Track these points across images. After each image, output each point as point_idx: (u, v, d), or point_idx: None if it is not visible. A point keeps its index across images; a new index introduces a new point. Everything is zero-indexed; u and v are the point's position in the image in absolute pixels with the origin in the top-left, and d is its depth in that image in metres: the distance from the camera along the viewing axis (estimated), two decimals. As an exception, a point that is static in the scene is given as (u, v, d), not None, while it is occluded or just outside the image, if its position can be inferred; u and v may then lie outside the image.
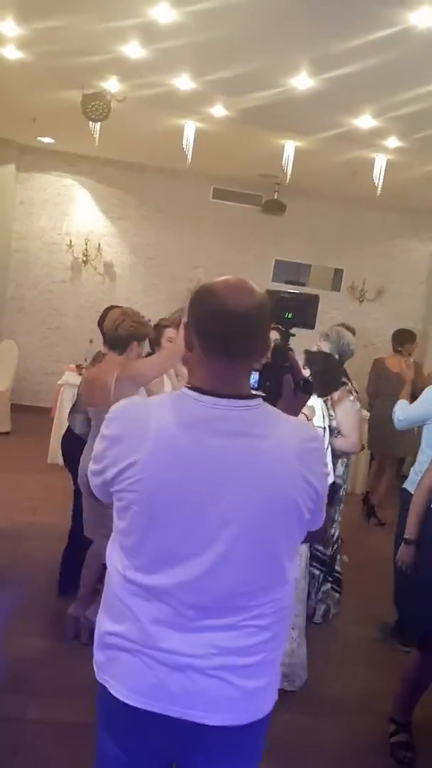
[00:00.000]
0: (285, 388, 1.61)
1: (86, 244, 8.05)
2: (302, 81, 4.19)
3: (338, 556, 4.15)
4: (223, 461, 1.35)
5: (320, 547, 3.96)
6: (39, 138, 7.25)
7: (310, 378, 3.33)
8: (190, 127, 5.59)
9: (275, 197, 7.97)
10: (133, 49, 4.07)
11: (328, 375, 3.40)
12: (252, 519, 1.35)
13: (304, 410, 3.24)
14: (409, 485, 3.77)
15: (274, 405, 1.51)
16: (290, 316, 1.70)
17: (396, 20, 3.19)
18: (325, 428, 3.34)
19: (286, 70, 4.10)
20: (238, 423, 1.37)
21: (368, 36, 3.35)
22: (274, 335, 4.05)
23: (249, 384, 1.44)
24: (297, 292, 1.79)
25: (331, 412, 3.76)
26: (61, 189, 8.06)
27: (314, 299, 1.77)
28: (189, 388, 1.40)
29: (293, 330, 1.80)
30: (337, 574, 4.13)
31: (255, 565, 1.37)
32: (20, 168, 7.87)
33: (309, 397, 1.69)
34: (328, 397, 3.78)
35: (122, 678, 1.40)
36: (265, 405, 1.43)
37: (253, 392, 1.51)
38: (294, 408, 1.63)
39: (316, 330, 3.93)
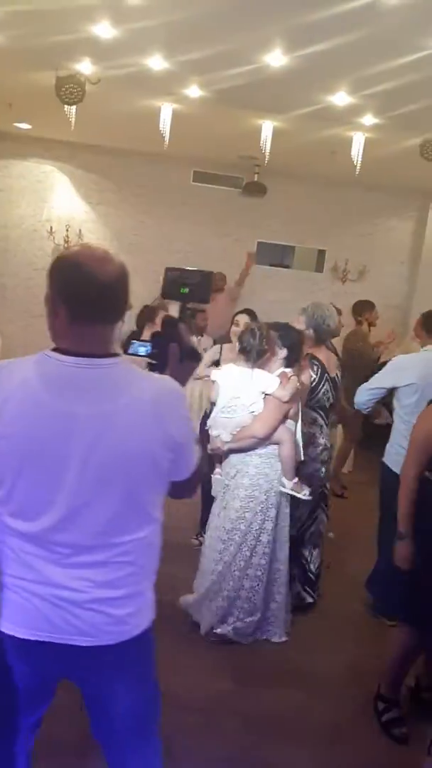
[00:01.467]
0: (171, 357, 1.68)
1: (67, 230, 7.99)
2: (276, 58, 4.16)
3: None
4: (82, 417, 1.47)
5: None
6: (16, 124, 7.17)
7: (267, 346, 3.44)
8: (166, 109, 5.55)
9: (255, 179, 7.94)
10: (104, 30, 4.03)
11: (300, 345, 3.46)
12: (110, 471, 1.50)
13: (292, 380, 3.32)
14: (388, 459, 3.83)
15: (162, 372, 1.65)
16: (185, 290, 1.83)
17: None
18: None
19: (259, 48, 4.07)
20: (96, 381, 1.50)
21: (338, 9, 3.32)
22: (243, 318, 4.04)
23: (113, 344, 1.57)
24: (194, 269, 1.92)
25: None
26: (39, 175, 7.99)
27: (208, 276, 1.90)
28: (53, 350, 1.52)
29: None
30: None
31: (117, 511, 1.53)
32: (-2, 155, 7.79)
33: (197, 365, 1.78)
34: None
35: (7, 613, 1.57)
36: (124, 363, 1.56)
37: (148, 361, 1.63)
38: (182, 374, 1.75)
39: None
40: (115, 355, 1.56)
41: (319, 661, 3.44)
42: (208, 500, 3.98)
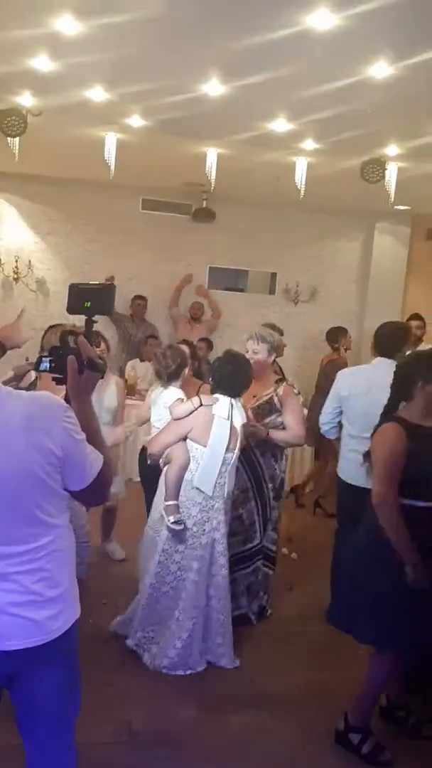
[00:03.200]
0: (69, 368, 1.76)
1: (16, 261, 7.94)
2: (214, 88, 4.24)
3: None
4: None
5: (270, 545, 3.99)
6: (-41, 157, 7.11)
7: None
8: (110, 139, 5.59)
9: (204, 205, 8.04)
10: (43, 63, 4.05)
11: (240, 375, 3.45)
12: None
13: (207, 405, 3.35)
14: (340, 471, 3.95)
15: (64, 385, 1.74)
16: (88, 305, 1.88)
17: (292, 22, 3.26)
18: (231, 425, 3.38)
19: (196, 78, 4.14)
20: None
21: (267, 37, 3.40)
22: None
23: None
24: (95, 283, 1.98)
25: (278, 405, 3.81)
26: (-14, 207, 7.93)
27: (109, 288, 1.99)
28: None
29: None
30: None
31: (6, 526, 1.64)
32: None
33: (99, 376, 1.82)
34: (273, 393, 3.82)
35: None
36: None
37: (53, 376, 1.78)
38: (83, 386, 1.79)
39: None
40: None
41: (282, 682, 3.42)
42: None
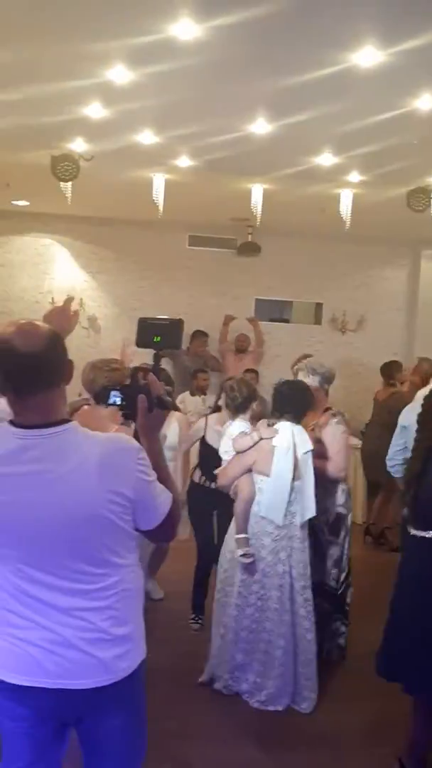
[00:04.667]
0: (139, 407, 1.78)
1: (68, 300, 8.15)
2: (260, 126, 4.34)
3: (349, 590, 4.05)
4: (27, 486, 1.61)
5: (330, 582, 3.91)
6: (14, 202, 7.41)
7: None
8: (158, 179, 5.75)
9: (249, 239, 8.15)
10: (95, 110, 4.23)
11: (301, 398, 3.50)
12: (58, 533, 1.61)
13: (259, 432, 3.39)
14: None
15: (134, 421, 1.77)
16: (158, 339, 1.90)
17: (338, 60, 3.33)
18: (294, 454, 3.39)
19: (244, 119, 4.25)
20: (40, 450, 1.62)
21: (313, 75, 3.48)
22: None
23: (63, 408, 1.68)
24: (164, 317, 1.98)
25: (319, 435, 3.78)
26: (39, 249, 8.21)
27: (178, 323, 1.98)
28: (9, 421, 1.66)
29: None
30: (346, 607, 4.04)
31: (74, 564, 1.64)
32: (-3, 233, 8.03)
33: (167, 413, 1.84)
34: (314, 423, 3.80)
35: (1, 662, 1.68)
36: (73, 428, 1.67)
37: (122, 411, 1.80)
38: (151, 424, 1.81)
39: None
40: (63, 421, 1.66)
41: (345, 719, 3.34)
42: (201, 582, 4.29)
